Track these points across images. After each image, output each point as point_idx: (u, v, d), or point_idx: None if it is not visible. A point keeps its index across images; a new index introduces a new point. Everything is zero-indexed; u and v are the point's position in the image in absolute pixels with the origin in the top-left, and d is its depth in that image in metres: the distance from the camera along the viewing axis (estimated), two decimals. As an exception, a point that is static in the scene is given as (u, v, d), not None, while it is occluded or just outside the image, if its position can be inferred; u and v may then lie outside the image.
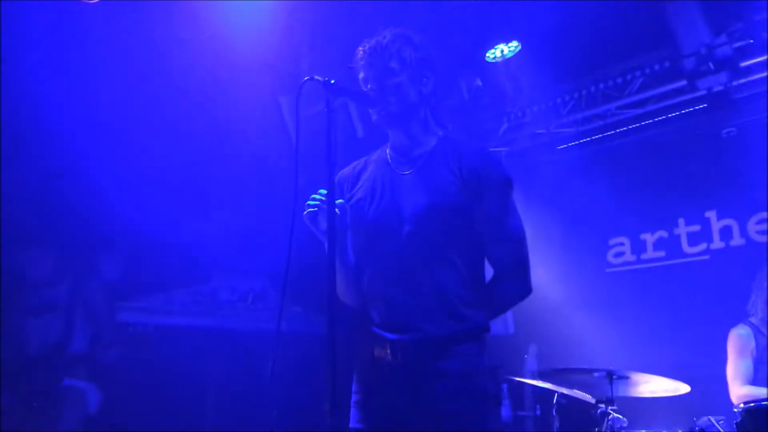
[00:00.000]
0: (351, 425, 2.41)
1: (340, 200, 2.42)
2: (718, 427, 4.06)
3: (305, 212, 2.31)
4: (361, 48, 2.48)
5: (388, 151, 2.59)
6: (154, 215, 6.00)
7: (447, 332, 2.30)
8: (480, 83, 5.99)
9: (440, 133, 2.56)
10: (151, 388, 5.91)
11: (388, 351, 2.33)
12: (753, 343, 4.54)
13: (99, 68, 5.16)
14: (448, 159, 2.45)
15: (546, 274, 6.19)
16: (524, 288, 2.45)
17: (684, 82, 5.82)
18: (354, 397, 2.46)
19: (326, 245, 2.07)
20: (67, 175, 5.58)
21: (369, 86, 2.43)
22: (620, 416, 4.28)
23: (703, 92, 5.79)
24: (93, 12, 4.74)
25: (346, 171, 2.65)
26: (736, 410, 3.73)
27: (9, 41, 4.62)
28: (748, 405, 3.66)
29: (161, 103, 5.61)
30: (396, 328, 2.33)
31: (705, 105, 5.95)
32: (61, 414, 4.55)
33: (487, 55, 5.57)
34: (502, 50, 5.56)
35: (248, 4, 4.82)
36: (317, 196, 2.33)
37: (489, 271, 2.51)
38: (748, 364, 4.50)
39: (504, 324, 6.96)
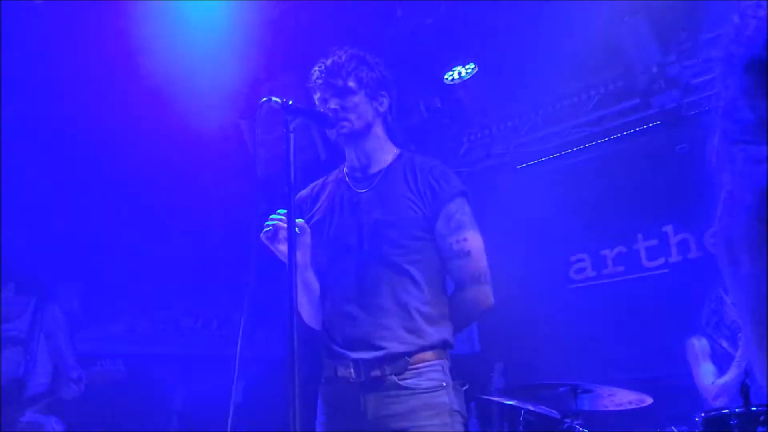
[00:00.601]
0: (317, 445, 2.41)
1: (299, 219, 2.43)
2: (682, 438, 4.11)
3: (263, 231, 2.32)
4: (316, 67, 2.50)
5: (345, 170, 2.61)
6: (111, 242, 5.93)
7: (410, 349, 2.31)
8: (439, 104, 6.05)
9: (396, 150, 2.59)
10: (116, 418, 5.79)
11: (351, 370, 2.33)
12: (709, 351, 4.62)
13: (55, 93, 5.10)
14: (404, 175, 2.48)
15: (509, 292, 6.21)
16: (485, 301, 2.46)
17: (638, 100, 5.96)
18: (319, 418, 2.45)
19: (287, 265, 2.07)
20: (21, 201, 5.48)
21: (327, 105, 2.44)
22: (585, 430, 4.31)
23: (657, 110, 5.93)
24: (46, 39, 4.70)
25: (305, 192, 2.66)
26: (697, 419, 3.78)
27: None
28: (709, 414, 3.71)
29: (120, 127, 5.56)
30: (358, 346, 2.34)
31: (658, 122, 6.10)
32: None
33: (446, 76, 5.64)
34: (459, 72, 5.64)
35: (209, 28, 4.83)
36: (275, 216, 2.33)
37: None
38: (711, 367, 4.58)
39: (469, 342, 6.98)
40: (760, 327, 0.61)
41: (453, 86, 5.82)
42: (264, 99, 2.21)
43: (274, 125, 2.34)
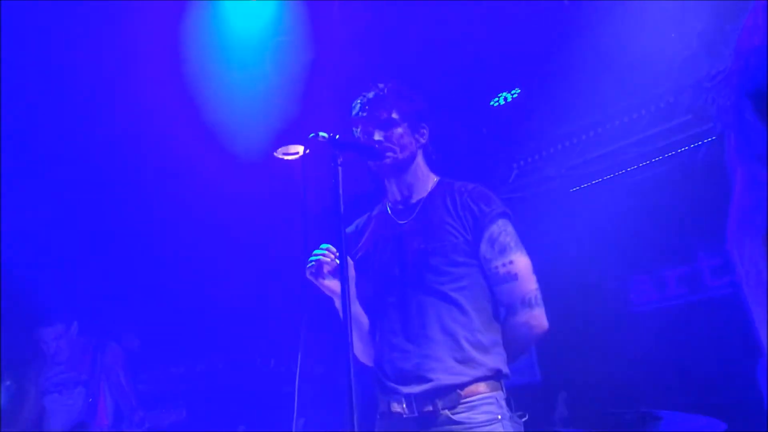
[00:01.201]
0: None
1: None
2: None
3: (307, 267, 2.30)
4: (358, 100, 2.51)
5: (387, 203, 2.61)
6: (171, 284, 6.02)
7: (461, 380, 2.25)
8: (486, 131, 6.03)
9: (435, 179, 2.58)
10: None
11: (404, 405, 2.29)
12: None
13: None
14: (443, 202, 2.46)
15: (569, 319, 6.10)
16: (538, 324, 2.39)
17: (690, 116, 5.82)
18: (376, 453, 2.41)
19: (340, 299, 2.06)
20: (83, 242, 5.62)
21: (371, 137, 2.44)
22: (657, 459, 4.16)
23: (711, 124, 5.78)
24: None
25: (350, 228, 2.66)
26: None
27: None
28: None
29: (175, 168, 5.67)
30: (409, 380, 2.30)
31: (714, 137, 5.94)
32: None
33: (491, 103, 5.62)
34: (506, 97, 5.61)
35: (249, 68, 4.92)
36: (318, 251, 2.33)
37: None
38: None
39: (530, 372, 6.84)
40: None
41: (499, 112, 5.79)
42: (311, 134, 2.23)
43: (322, 160, 2.36)
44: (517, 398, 2.41)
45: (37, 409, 4.55)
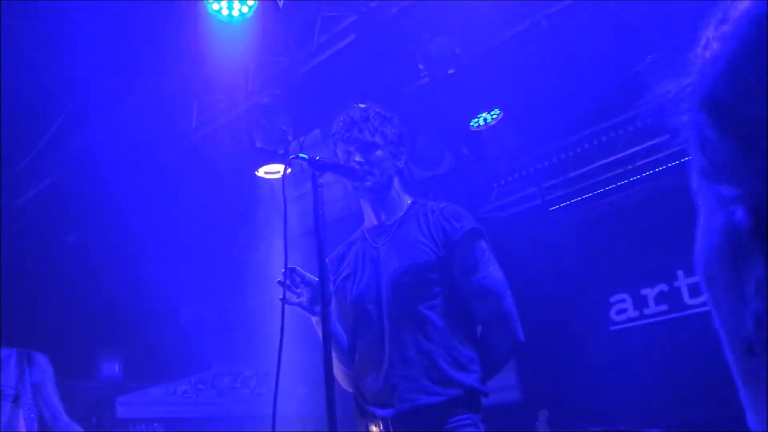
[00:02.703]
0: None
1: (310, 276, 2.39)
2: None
3: (280, 299, 2.28)
4: (340, 120, 2.52)
5: (364, 227, 2.62)
6: (150, 306, 5.98)
7: (438, 400, 2.24)
8: (467, 151, 6.07)
9: (409, 200, 2.59)
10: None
11: (381, 428, 2.28)
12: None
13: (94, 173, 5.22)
14: (417, 222, 2.47)
15: (550, 337, 6.13)
16: (513, 341, 2.38)
17: (668, 136, 5.90)
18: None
19: (318, 329, 2.07)
20: (63, 266, 5.57)
21: (352, 158, 2.46)
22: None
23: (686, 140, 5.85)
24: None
25: (332, 256, 2.65)
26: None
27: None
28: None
29: (156, 192, 5.66)
30: (387, 402, 2.29)
31: (690, 157, 6.01)
32: None
33: (471, 123, 5.66)
34: (485, 118, 5.66)
35: (234, 89, 4.94)
36: (280, 279, 2.30)
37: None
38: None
39: (510, 391, 6.84)
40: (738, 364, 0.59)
41: (479, 133, 5.84)
42: (291, 156, 2.24)
43: (304, 181, 2.36)
44: (499, 417, 2.40)
45: None
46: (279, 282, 2.28)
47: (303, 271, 2.34)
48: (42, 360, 4.49)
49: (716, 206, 0.57)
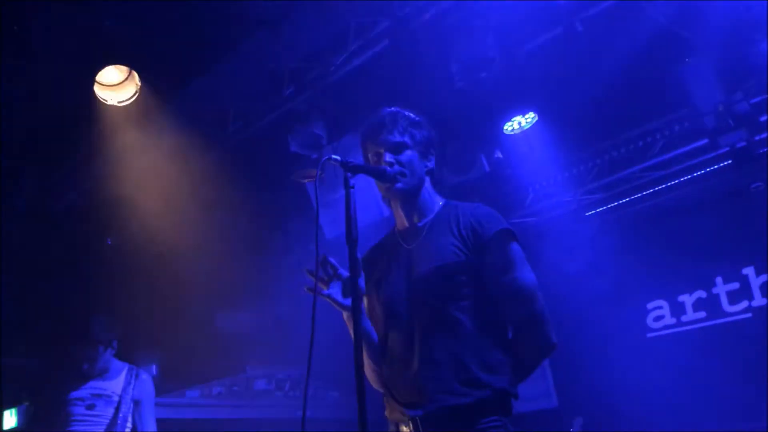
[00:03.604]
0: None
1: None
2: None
3: (307, 287, 2.30)
4: (369, 124, 2.54)
5: (396, 229, 2.62)
6: (185, 309, 6.05)
7: (467, 401, 2.23)
8: (501, 155, 6.04)
9: (441, 202, 2.59)
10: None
11: (411, 428, 2.28)
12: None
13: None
14: (448, 223, 2.46)
15: (586, 343, 6.07)
16: (544, 344, 2.35)
17: (706, 141, 5.82)
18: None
19: (345, 314, 2.08)
20: (100, 267, 5.68)
21: (383, 160, 2.47)
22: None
23: (726, 149, 5.77)
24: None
25: (365, 256, 2.66)
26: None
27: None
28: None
29: (193, 195, 5.73)
30: (417, 403, 2.29)
31: (730, 161, 5.93)
32: None
33: (505, 127, 5.64)
34: (519, 122, 5.63)
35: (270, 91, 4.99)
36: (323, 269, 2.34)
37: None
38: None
39: (547, 397, 6.79)
40: None
41: (514, 137, 5.81)
42: (324, 159, 2.26)
43: (337, 185, 2.38)
44: (535, 424, 2.38)
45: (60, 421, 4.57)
46: (310, 272, 2.30)
47: (335, 264, 2.36)
48: (146, 378, 4.71)
49: None
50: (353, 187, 2.20)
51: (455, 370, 2.26)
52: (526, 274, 2.36)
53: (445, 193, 2.68)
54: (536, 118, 5.57)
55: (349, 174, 2.23)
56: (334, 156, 2.26)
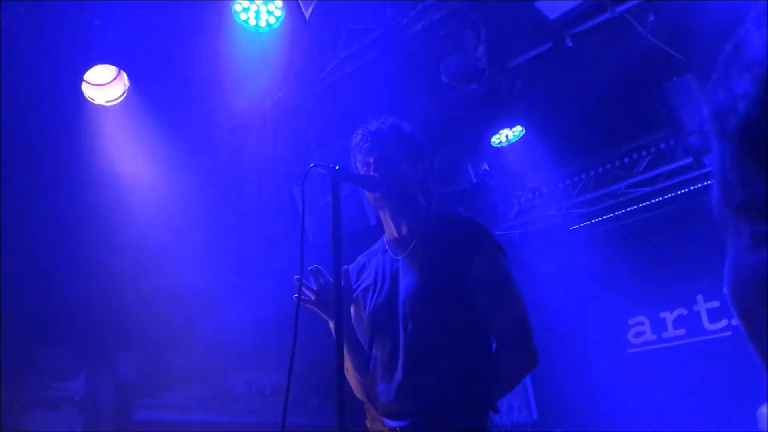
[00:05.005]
0: None
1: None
2: None
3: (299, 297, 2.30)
4: (360, 132, 2.54)
5: (384, 238, 2.62)
6: (166, 311, 6.02)
7: (448, 414, 2.24)
8: (487, 167, 6.07)
9: (430, 213, 2.58)
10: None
11: None
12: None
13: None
14: (437, 236, 2.46)
15: (566, 357, 6.10)
16: (529, 359, 2.35)
17: (690, 159, 5.88)
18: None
19: (333, 331, 2.09)
20: (84, 270, 5.64)
21: (371, 170, 2.47)
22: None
23: (711, 168, 5.82)
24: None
25: (352, 266, 2.66)
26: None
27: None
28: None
29: (173, 200, 5.71)
30: (399, 414, 2.29)
31: (713, 181, 5.98)
32: None
33: (492, 140, 5.66)
34: (507, 135, 5.66)
35: (258, 99, 4.99)
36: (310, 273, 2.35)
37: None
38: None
39: (527, 410, 6.80)
40: None
41: (501, 149, 5.84)
42: (311, 165, 2.26)
43: (323, 192, 2.38)
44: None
45: (18, 422, 4.50)
46: (297, 279, 2.30)
47: (324, 273, 2.37)
48: (107, 380, 4.59)
49: (751, 242, 0.57)
50: (340, 196, 2.20)
51: (438, 382, 2.27)
52: (513, 290, 2.37)
53: (432, 202, 2.69)
54: (523, 132, 5.61)
55: (337, 182, 2.24)
56: (321, 163, 2.26)
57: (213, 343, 6.73)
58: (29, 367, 4.62)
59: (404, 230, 2.54)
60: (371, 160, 2.48)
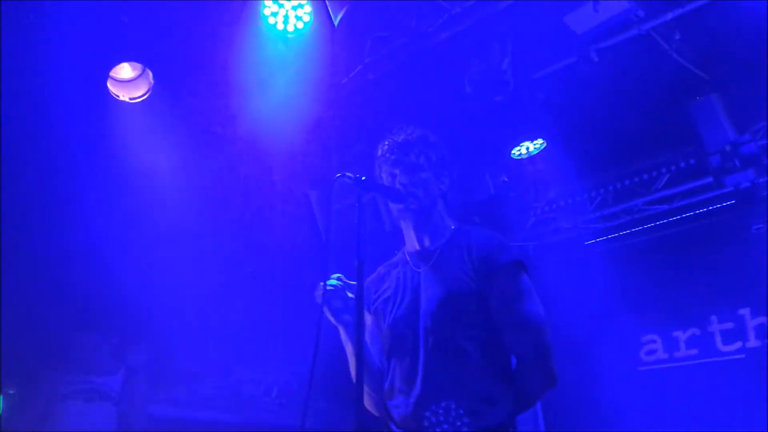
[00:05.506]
0: None
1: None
2: None
3: (318, 291, 2.30)
4: (386, 142, 2.52)
5: (406, 250, 2.60)
6: (176, 308, 6.03)
7: (466, 430, 2.22)
8: (506, 179, 6.06)
9: (453, 226, 2.57)
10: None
11: None
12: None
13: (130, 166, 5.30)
14: (459, 250, 2.44)
15: (577, 371, 6.06)
16: (547, 378, 2.32)
17: (710, 179, 5.84)
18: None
19: (350, 339, 2.08)
20: (103, 273, 5.66)
21: (396, 180, 2.46)
22: None
23: (731, 189, 5.79)
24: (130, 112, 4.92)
25: (372, 276, 2.65)
26: None
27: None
28: None
29: (191, 197, 5.72)
30: (415, 428, 2.27)
31: (733, 201, 5.95)
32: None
33: (513, 152, 5.65)
34: (527, 147, 5.65)
35: (280, 102, 4.99)
36: (333, 281, 2.35)
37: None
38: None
39: (534, 422, 6.77)
40: None
41: (520, 161, 5.83)
42: (338, 174, 2.25)
43: (344, 197, 2.37)
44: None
45: (54, 410, 4.49)
46: (323, 285, 2.30)
47: (347, 282, 2.36)
48: (140, 380, 4.55)
49: None
50: (363, 205, 2.20)
51: (456, 400, 2.25)
52: (534, 307, 2.34)
53: (454, 213, 2.67)
54: (544, 144, 5.59)
55: (362, 192, 2.23)
56: (348, 173, 2.26)
57: (220, 341, 6.75)
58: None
59: (426, 243, 2.52)
60: (397, 171, 2.47)
